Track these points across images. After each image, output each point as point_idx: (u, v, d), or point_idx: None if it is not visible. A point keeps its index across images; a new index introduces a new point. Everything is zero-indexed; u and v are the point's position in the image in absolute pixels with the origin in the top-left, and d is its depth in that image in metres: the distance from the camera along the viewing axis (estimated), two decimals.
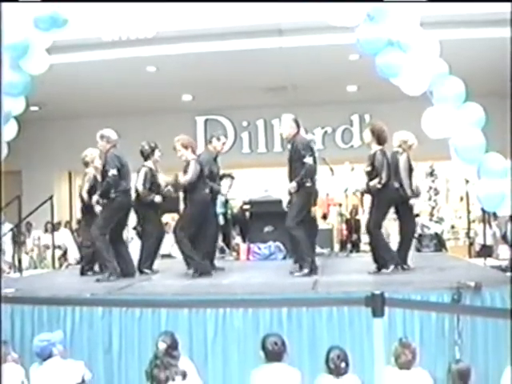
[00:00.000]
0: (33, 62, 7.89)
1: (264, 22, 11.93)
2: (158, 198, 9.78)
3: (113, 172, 8.89)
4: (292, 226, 8.57)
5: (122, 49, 12.85)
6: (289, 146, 8.89)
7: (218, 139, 9.96)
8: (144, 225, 10.18)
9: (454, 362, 5.64)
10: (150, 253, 9.97)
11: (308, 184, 8.60)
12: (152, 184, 9.85)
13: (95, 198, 9.12)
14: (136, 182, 9.87)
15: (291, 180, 8.63)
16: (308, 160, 8.55)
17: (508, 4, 9.96)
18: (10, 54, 7.70)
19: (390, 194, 8.62)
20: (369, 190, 8.75)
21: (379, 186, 8.47)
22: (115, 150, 9.16)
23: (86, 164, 10.03)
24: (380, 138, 8.63)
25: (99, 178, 9.61)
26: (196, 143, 9.04)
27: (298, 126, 8.87)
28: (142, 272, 9.62)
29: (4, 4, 7.32)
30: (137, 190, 9.82)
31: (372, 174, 8.59)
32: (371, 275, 8.45)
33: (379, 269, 8.58)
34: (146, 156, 10.11)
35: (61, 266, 14.12)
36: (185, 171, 8.97)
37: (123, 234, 9.53)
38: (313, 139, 10.00)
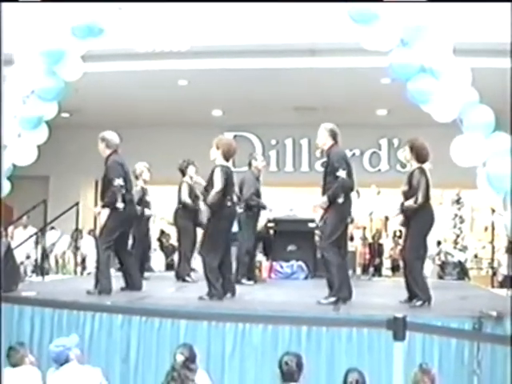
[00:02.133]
0: (67, 69, 7.98)
1: (297, 42, 11.94)
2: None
3: (119, 182, 8.39)
4: (324, 247, 8.04)
5: (155, 61, 12.90)
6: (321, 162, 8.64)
7: (256, 159, 10.74)
8: (181, 237, 10.81)
9: None
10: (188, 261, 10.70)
11: (340, 200, 7.88)
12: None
13: (98, 207, 8.79)
14: (179, 196, 10.56)
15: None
16: (341, 174, 7.88)
17: None
18: (45, 59, 7.80)
19: (427, 216, 7.96)
20: (403, 211, 8.04)
21: (415, 205, 7.78)
22: (117, 157, 8.64)
23: (136, 177, 10.45)
24: (419, 156, 7.98)
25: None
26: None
27: (335, 138, 8.25)
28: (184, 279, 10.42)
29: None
30: (181, 204, 10.54)
31: (408, 194, 7.93)
32: (393, 299, 8.36)
33: (410, 299, 7.94)
34: (182, 172, 10.61)
35: (82, 273, 14.16)
36: (208, 182, 8.30)
37: (127, 245, 9.30)
38: None
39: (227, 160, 8.33)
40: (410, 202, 7.86)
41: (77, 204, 12.05)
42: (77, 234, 13.33)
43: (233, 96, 15.10)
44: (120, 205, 8.45)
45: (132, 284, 8.85)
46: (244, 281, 10.19)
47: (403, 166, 8.43)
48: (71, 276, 13.04)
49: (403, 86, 7.11)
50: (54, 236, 14.36)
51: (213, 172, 8.17)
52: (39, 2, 9.36)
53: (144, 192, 10.60)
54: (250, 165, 10.74)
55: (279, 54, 12.52)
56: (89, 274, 14.16)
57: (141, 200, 10.41)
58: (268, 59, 12.74)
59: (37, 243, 12.14)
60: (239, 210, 9.88)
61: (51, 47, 7.78)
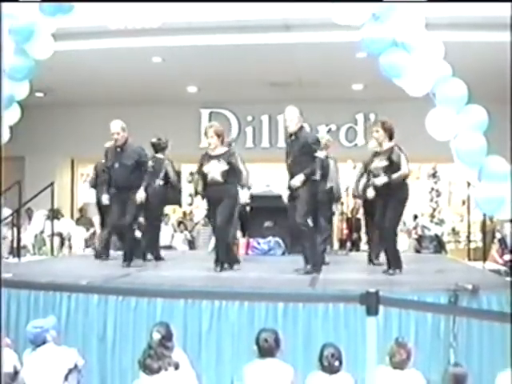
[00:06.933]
0: (37, 47, 7.84)
1: (271, 17, 11.88)
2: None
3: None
4: (301, 222, 8.32)
5: (129, 38, 12.79)
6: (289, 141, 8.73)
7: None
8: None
9: (451, 365, 5.60)
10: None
11: (316, 178, 8.43)
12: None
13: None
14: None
15: (292, 174, 8.35)
16: (320, 154, 8.54)
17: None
18: (14, 37, 7.67)
19: (406, 191, 8.42)
20: (387, 186, 8.33)
21: (403, 176, 8.28)
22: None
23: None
24: (392, 135, 8.47)
25: None
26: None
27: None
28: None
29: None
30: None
31: (390, 169, 8.29)
32: (370, 274, 8.41)
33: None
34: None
35: (62, 250, 14.10)
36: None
37: None
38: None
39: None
40: (398, 176, 8.24)
41: (52, 184, 11.93)
42: (52, 214, 13.22)
43: (208, 72, 15.00)
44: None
45: None
46: None
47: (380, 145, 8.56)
48: (48, 257, 12.96)
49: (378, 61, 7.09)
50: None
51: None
52: None
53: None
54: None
55: (254, 29, 12.46)
56: (63, 254, 14.11)
57: None
58: (243, 35, 12.67)
59: (12, 224, 12.05)
60: None
61: (20, 24, 7.65)
